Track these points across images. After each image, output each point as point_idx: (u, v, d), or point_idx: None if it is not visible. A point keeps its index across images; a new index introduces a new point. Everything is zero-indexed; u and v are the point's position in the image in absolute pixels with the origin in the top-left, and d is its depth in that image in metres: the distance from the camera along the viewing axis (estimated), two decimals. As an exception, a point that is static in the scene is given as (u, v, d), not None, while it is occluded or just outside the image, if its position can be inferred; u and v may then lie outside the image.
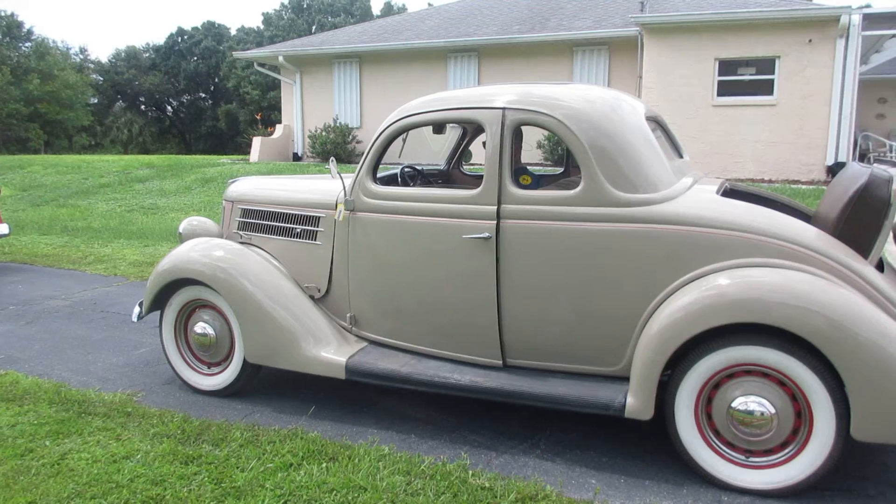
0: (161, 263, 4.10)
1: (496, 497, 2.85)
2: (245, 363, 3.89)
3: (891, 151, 14.69)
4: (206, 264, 3.92)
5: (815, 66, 12.89)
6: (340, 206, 3.81)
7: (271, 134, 19.13)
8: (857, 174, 3.05)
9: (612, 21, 15.48)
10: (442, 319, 3.53)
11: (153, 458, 3.21)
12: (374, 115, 17.53)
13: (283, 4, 50.47)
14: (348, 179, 3.82)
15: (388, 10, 50.13)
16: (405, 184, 4.31)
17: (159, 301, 4.15)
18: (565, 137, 3.23)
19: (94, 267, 7.87)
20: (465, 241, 3.37)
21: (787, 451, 2.88)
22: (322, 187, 4.04)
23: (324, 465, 3.12)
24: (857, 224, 2.93)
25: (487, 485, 2.94)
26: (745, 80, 13.43)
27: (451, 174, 4.94)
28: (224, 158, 19.47)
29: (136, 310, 4.29)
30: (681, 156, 3.96)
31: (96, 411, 3.74)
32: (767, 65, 13.26)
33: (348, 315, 3.87)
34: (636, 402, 3.00)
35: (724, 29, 13.29)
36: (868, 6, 19.15)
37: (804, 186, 11.91)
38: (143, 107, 50.65)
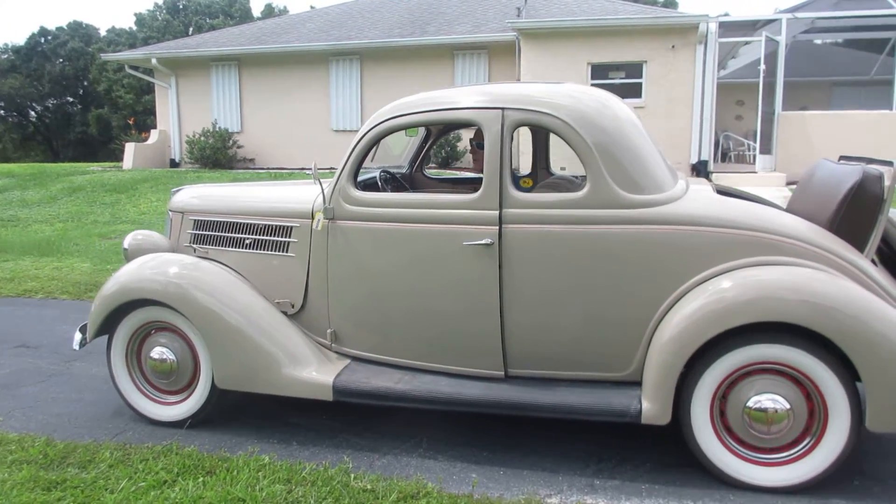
0: (106, 286, 3.69)
1: (378, 498, 2.86)
2: (213, 389, 3.56)
3: (749, 150, 15.80)
4: (162, 282, 3.55)
5: (678, 71, 13.74)
6: (319, 215, 3.57)
7: (146, 140, 18.33)
8: (845, 173, 3.09)
9: (489, 26, 15.87)
10: (438, 331, 3.36)
11: (10, 486, 2.99)
12: (256, 119, 17.13)
13: (157, 5, 48.26)
14: (327, 186, 3.55)
15: (269, 12, 48.98)
16: (384, 189, 4.06)
17: (106, 326, 3.72)
18: (569, 138, 3.13)
19: (-55, 286, 7.23)
20: (465, 248, 3.22)
21: (800, 447, 2.91)
22: (294, 195, 3.77)
23: (200, 479, 3.02)
24: (852, 221, 2.99)
25: (370, 487, 2.95)
26: (615, 83, 14.11)
27: (415, 178, 4.68)
28: (95, 166, 18.45)
29: (78, 336, 3.83)
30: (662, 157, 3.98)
31: (-55, 441, 3.46)
32: (636, 69, 14.01)
33: (328, 331, 3.61)
34: (653, 407, 2.96)
35: (596, 35, 13.92)
36: (726, 14, 20.58)
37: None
38: (2, 112, 46.99)
